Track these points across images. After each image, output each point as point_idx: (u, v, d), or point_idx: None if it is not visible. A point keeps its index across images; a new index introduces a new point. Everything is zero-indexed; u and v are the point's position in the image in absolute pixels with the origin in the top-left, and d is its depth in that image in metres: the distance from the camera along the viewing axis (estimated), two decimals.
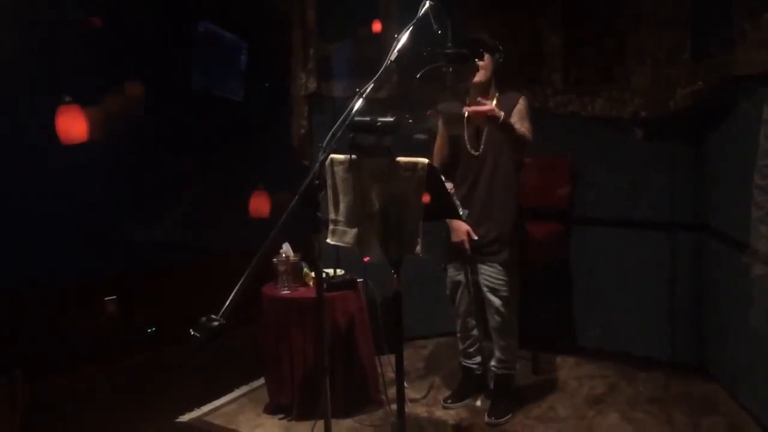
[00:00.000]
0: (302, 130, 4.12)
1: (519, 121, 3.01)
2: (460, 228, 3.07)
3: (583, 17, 3.79)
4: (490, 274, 3.08)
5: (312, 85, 4.04)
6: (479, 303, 3.22)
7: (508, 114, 3.01)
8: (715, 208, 3.41)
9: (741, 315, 3.01)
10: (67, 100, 3.40)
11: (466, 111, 2.96)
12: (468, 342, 3.33)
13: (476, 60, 2.97)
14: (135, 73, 3.94)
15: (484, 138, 3.06)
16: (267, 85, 4.59)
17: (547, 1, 3.85)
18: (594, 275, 3.88)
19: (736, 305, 3.11)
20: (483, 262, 3.09)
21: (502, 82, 3.13)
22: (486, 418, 3.15)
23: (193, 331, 1.78)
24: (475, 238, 3.05)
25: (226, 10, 4.38)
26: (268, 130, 4.33)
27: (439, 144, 3.25)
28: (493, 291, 3.08)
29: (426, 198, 2.14)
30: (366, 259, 2.47)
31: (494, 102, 3.05)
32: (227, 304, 1.80)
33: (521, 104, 3.04)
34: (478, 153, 3.08)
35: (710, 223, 3.45)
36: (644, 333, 3.74)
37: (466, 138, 3.11)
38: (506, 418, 3.16)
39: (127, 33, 3.85)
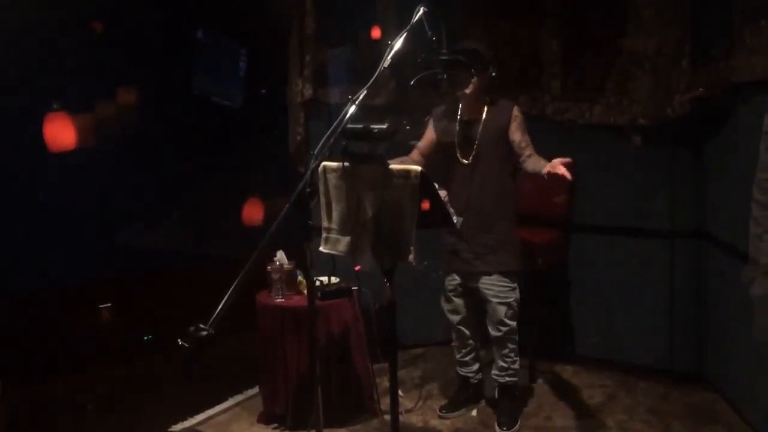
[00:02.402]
0: (299, 137, 4.10)
1: (520, 132, 3.00)
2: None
3: (582, 24, 3.77)
4: (491, 283, 3.05)
5: (308, 92, 4.02)
6: (476, 312, 3.19)
7: (505, 125, 3.01)
8: (715, 216, 3.38)
9: (741, 324, 2.98)
10: (55, 107, 3.38)
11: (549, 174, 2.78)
12: (464, 351, 3.30)
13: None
14: (134, 78, 3.93)
15: (475, 146, 3.04)
16: (264, 91, 4.58)
17: (546, 8, 3.84)
18: (593, 283, 3.85)
19: (736, 314, 3.08)
20: (483, 272, 3.06)
21: (494, 89, 3.10)
22: (497, 429, 3.12)
23: (182, 340, 1.77)
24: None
25: (223, 16, 4.37)
26: (266, 136, 4.32)
27: (421, 145, 3.20)
28: (495, 301, 3.05)
29: (425, 205, 2.12)
30: (357, 267, 2.44)
31: (485, 112, 3.03)
32: (216, 313, 1.78)
33: (517, 113, 3.02)
34: (468, 161, 3.06)
35: (710, 231, 3.43)
36: (643, 342, 3.71)
37: (456, 146, 3.09)
38: (517, 426, 3.13)
39: (124, 38, 3.84)
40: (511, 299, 3.05)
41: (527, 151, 2.98)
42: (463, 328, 3.24)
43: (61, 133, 3.42)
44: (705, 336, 3.53)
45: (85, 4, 3.65)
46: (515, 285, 3.07)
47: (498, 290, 3.04)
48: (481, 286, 3.08)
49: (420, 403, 3.41)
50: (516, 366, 3.16)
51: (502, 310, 3.05)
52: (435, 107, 3.25)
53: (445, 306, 3.25)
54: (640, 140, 3.54)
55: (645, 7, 3.42)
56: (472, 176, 3.05)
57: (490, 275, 3.04)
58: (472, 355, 3.31)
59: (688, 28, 3.30)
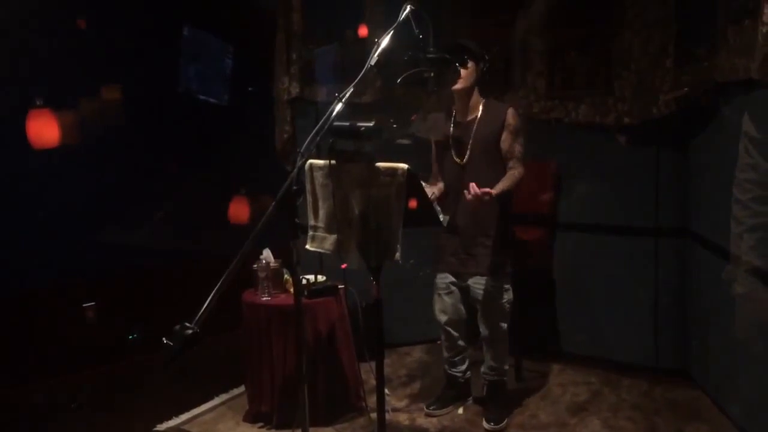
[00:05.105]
0: (285, 135, 4.08)
1: (510, 141, 2.99)
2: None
3: (568, 23, 3.78)
4: (483, 284, 3.05)
5: (295, 90, 4.00)
6: (468, 312, 3.19)
7: (497, 130, 2.99)
8: (699, 215, 3.41)
9: (724, 321, 3.00)
10: (38, 103, 3.34)
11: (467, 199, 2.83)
12: (453, 351, 3.30)
13: (459, 66, 2.94)
14: (120, 76, 3.91)
15: (469, 146, 3.03)
16: (251, 89, 4.56)
17: (532, 7, 3.84)
18: (578, 281, 3.87)
19: (719, 312, 3.10)
20: (475, 273, 3.06)
21: (488, 90, 3.10)
22: (485, 424, 3.12)
23: (167, 339, 1.74)
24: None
25: (210, 14, 4.35)
26: (252, 134, 4.30)
27: (433, 152, 3.24)
28: (487, 302, 3.05)
29: (412, 203, 2.12)
30: (343, 266, 2.44)
31: (479, 112, 3.03)
32: (201, 311, 1.76)
33: (511, 120, 3.00)
34: (463, 161, 3.05)
35: (694, 229, 3.46)
36: (628, 339, 3.74)
37: (451, 145, 3.09)
38: (504, 423, 3.14)
39: (110, 36, 3.81)
40: (503, 300, 3.05)
41: (511, 163, 3.00)
42: (451, 330, 3.23)
43: (44, 129, 3.39)
44: (689, 333, 3.56)
45: (70, 0, 3.62)
46: (508, 287, 3.07)
47: (490, 291, 3.04)
48: (472, 285, 3.08)
49: (411, 403, 3.41)
50: (506, 366, 3.18)
51: (493, 311, 3.05)
52: (427, 109, 3.25)
53: (436, 305, 3.25)
54: (625, 140, 3.57)
55: (630, 6, 3.44)
56: (466, 176, 3.05)
57: (482, 276, 3.04)
58: (461, 355, 3.31)
59: (672, 27, 3.33)
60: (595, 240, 3.80)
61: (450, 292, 3.18)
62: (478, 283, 3.06)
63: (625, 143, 3.57)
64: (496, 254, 3.01)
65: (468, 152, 3.04)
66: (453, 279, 3.15)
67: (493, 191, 2.79)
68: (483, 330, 3.11)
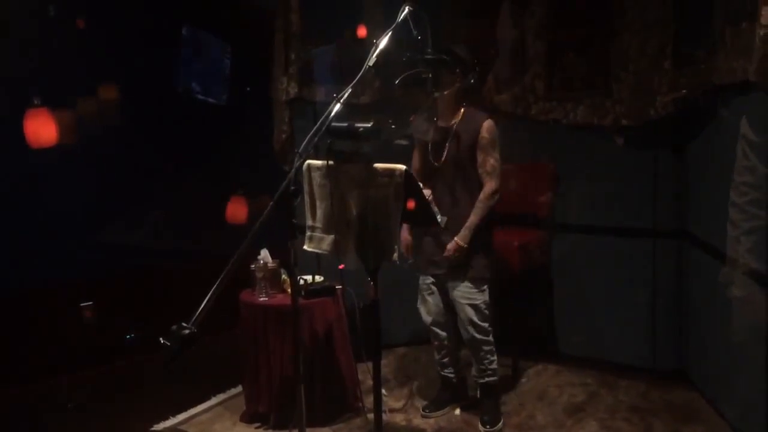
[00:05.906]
0: (284, 135, 4.08)
1: (482, 155, 2.97)
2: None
3: (567, 24, 3.78)
4: (459, 287, 3.06)
5: (293, 90, 4.00)
6: (451, 313, 3.19)
7: (473, 140, 2.98)
8: (696, 216, 3.41)
9: (721, 323, 3.01)
10: (35, 103, 3.34)
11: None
12: (442, 352, 3.31)
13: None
14: (118, 75, 3.91)
15: (445, 151, 3.04)
16: (249, 89, 4.57)
17: (531, 8, 3.85)
18: (575, 282, 3.87)
19: (717, 313, 3.11)
20: (450, 277, 3.07)
21: (473, 95, 3.10)
22: (480, 428, 3.13)
23: (164, 339, 1.75)
24: (407, 258, 3.08)
25: (209, 13, 4.36)
26: (251, 134, 4.31)
27: (415, 153, 3.24)
28: (464, 304, 3.05)
29: (411, 204, 2.12)
30: (341, 266, 2.45)
31: (458, 119, 3.03)
32: (198, 311, 1.77)
33: (485, 133, 2.96)
34: (439, 164, 3.06)
35: (691, 231, 3.46)
36: (625, 341, 3.74)
37: (429, 148, 3.09)
38: (500, 424, 3.14)
39: (108, 36, 3.81)
40: (479, 302, 3.06)
41: (484, 177, 2.99)
42: (436, 329, 3.25)
43: (41, 129, 3.39)
44: (686, 335, 3.56)
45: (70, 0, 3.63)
46: (484, 288, 3.07)
47: (465, 292, 3.05)
48: (449, 288, 3.10)
49: (407, 403, 3.41)
50: (494, 366, 3.17)
51: (470, 311, 3.05)
52: (421, 109, 3.25)
53: (420, 306, 3.27)
54: (623, 141, 3.57)
55: (629, 8, 3.45)
56: (442, 180, 3.06)
57: (456, 279, 3.05)
58: (450, 356, 3.32)
59: (670, 29, 3.33)
60: (593, 241, 3.80)
61: (432, 293, 3.19)
62: (452, 286, 3.07)
63: (623, 145, 3.58)
64: (470, 258, 3.01)
65: (443, 157, 3.04)
66: (434, 279, 3.17)
67: (461, 242, 2.94)
68: (463, 332, 3.12)
